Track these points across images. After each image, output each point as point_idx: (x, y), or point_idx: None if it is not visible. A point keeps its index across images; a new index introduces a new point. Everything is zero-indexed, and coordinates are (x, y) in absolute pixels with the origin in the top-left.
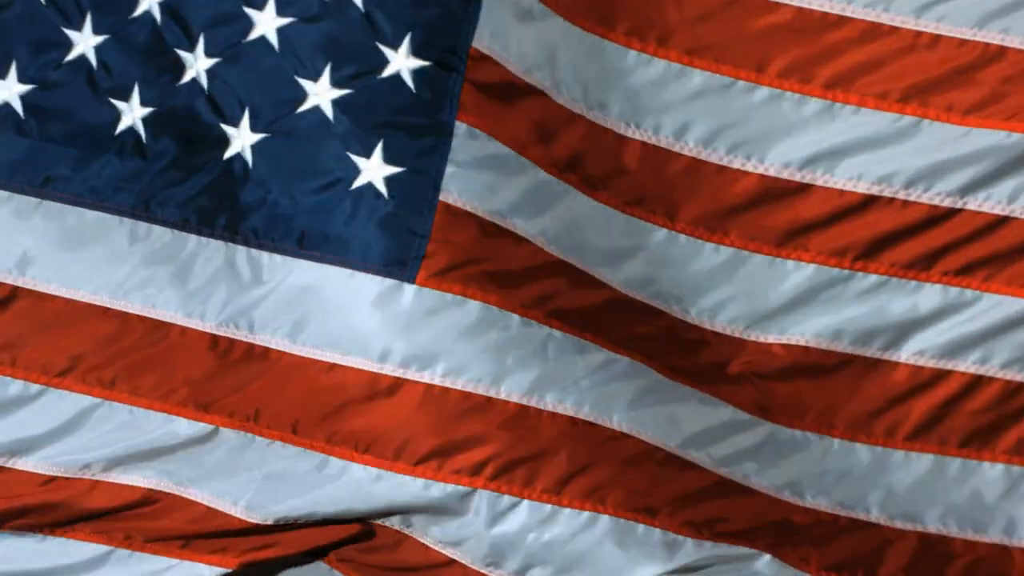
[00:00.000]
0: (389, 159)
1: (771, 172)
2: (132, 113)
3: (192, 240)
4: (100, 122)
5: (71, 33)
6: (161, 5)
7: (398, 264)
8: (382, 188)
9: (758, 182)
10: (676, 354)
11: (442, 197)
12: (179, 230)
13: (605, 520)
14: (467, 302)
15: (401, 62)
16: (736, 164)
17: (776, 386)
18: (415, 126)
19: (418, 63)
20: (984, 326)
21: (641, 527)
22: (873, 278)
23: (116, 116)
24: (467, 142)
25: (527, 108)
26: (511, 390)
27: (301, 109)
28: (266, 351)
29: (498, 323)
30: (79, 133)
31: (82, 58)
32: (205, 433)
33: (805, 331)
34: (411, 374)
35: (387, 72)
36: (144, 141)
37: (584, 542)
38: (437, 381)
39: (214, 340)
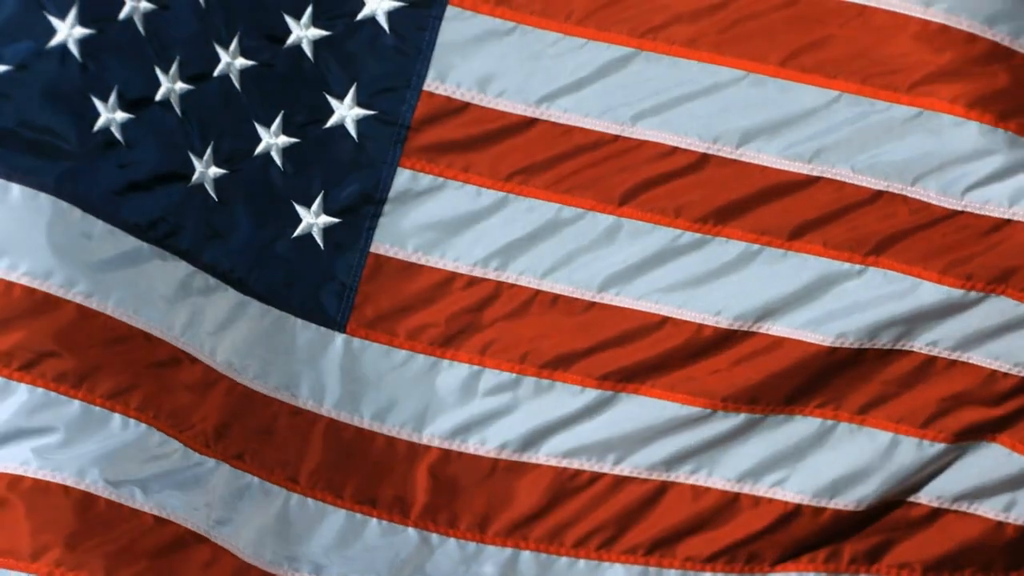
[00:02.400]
0: (328, 210)
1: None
2: (109, 115)
3: (147, 250)
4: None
5: (55, 21)
6: (143, 17)
7: (332, 312)
8: (319, 239)
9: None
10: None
11: (373, 248)
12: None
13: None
14: (394, 351)
15: (345, 112)
16: (746, 158)
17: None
18: (354, 176)
19: (362, 112)
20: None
21: None
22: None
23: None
24: (410, 185)
25: (501, 134)
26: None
27: (256, 152)
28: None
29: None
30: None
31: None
32: None
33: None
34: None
35: (331, 123)
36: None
37: None
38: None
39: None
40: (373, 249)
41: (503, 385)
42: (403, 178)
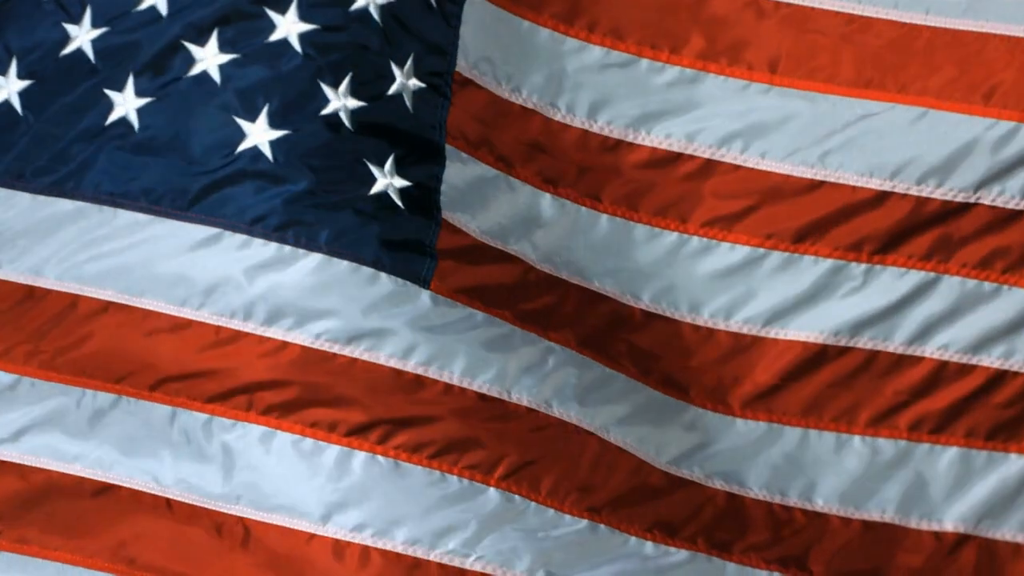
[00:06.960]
0: (400, 172)
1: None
2: (126, 104)
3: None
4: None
5: (69, 27)
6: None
7: (414, 273)
8: (396, 199)
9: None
10: (680, 363)
11: (445, 216)
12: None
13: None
14: (474, 313)
15: (404, 81)
16: (751, 163)
17: (793, 386)
18: (415, 145)
19: (416, 84)
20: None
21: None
22: (891, 270)
23: (109, 106)
24: (456, 164)
25: (516, 126)
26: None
27: (323, 112)
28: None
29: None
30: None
31: (79, 51)
32: None
33: (823, 327)
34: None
35: (392, 90)
36: (137, 131)
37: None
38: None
39: None
40: (445, 217)
41: None
42: (450, 154)
